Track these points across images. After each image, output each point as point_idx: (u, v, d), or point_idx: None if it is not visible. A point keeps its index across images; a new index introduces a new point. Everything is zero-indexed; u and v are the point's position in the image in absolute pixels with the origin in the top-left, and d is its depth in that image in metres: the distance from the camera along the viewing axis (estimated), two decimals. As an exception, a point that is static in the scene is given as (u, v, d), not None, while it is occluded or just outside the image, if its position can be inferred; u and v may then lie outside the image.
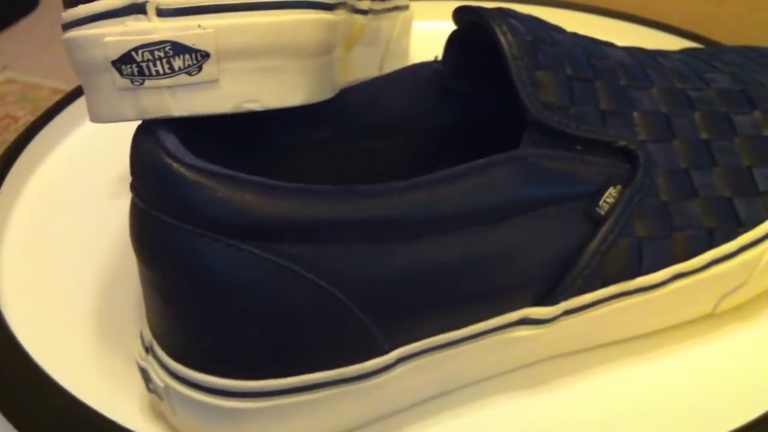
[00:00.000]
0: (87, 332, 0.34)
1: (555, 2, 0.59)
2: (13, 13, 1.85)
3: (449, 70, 0.35)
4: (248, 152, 0.32)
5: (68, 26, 0.27)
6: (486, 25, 0.32)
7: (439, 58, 0.35)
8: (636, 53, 0.36)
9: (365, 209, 0.27)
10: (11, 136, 1.49)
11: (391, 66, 0.44)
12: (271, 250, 0.26)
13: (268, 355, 0.27)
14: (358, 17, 0.35)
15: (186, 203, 0.26)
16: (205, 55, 0.25)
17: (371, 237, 0.27)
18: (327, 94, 0.29)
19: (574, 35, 0.35)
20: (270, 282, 0.26)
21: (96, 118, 0.28)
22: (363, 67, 0.41)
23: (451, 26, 0.35)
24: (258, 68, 0.26)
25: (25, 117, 1.53)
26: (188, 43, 0.25)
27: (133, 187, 0.27)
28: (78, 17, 0.26)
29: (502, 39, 0.31)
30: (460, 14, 0.34)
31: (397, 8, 0.43)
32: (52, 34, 1.77)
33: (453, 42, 0.35)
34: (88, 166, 0.44)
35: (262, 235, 0.26)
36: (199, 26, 0.25)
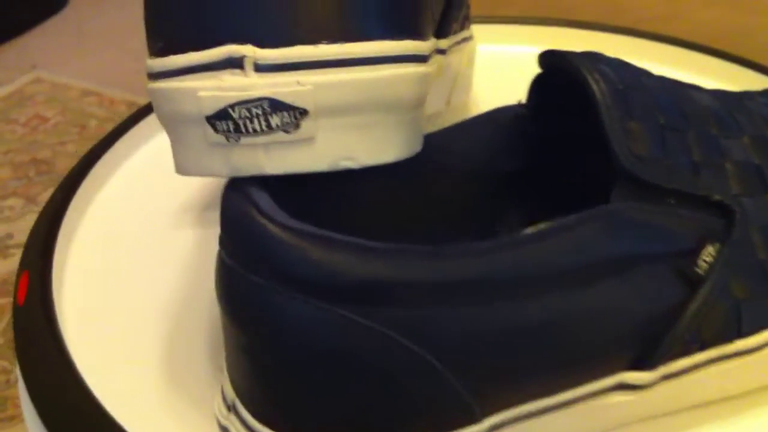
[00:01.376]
0: (156, 378, 0.34)
1: (581, 24, 0.58)
2: (41, 12, 1.84)
3: (532, 114, 0.34)
4: (320, 199, 0.31)
5: (157, 76, 0.26)
6: (576, 72, 0.31)
7: (522, 101, 0.34)
8: (722, 97, 0.35)
9: (461, 270, 0.26)
10: (41, 137, 1.48)
11: (458, 98, 0.43)
12: (364, 313, 0.25)
13: (358, 422, 0.27)
14: (439, 57, 0.34)
15: (277, 264, 0.25)
16: (303, 113, 0.25)
17: (466, 300, 0.26)
18: (418, 147, 0.28)
19: (661, 79, 0.34)
20: (363, 347, 0.26)
21: (182, 170, 0.27)
22: (432, 102, 0.40)
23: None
24: (355, 124, 0.26)
25: (55, 117, 1.53)
26: (287, 100, 0.24)
27: (222, 243, 0.27)
28: (169, 68, 0.26)
29: (595, 87, 0.30)
30: (546, 58, 0.33)
31: (464, 40, 0.42)
32: (81, 32, 1.76)
33: (537, 85, 0.34)
34: (148, 194, 0.43)
35: (356, 299, 0.25)
36: (298, 83, 0.24)
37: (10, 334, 1.09)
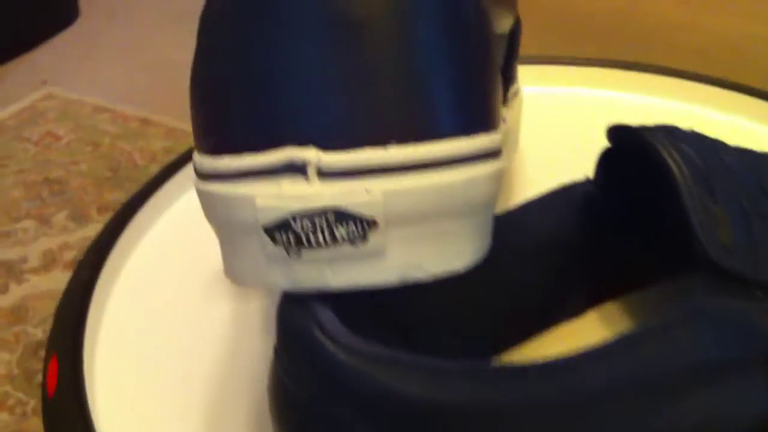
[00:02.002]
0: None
1: (615, 63, 0.56)
2: (51, 26, 1.83)
3: (600, 191, 0.32)
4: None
5: (207, 176, 0.24)
6: (654, 152, 0.28)
7: (590, 177, 0.32)
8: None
9: (547, 390, 0.24)
10: (53, 156, 1.46)
11: (507, 155, 0.41)
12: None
13: None
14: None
15: (341, 390, 0.23)
16: (372, 224, 0.22)
17: (545, 421, 0.24)
18: (487, 247, 0.26)
19: (739, 153, 0.32)
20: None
21: (235, 278, 0.25)
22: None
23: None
24: (426, 233, 0.23)
25: (68, 135, 1.51)
26: (354, 210, 0.22)
27: (279, 357, 0.24)
28: (222, 171, 0.23)
29: (676, 170, 0.28)
30: (616, 132, 0.31)
31: (515, 93, 0.40)
32: (92, 46, 1.75)
33: (606, 160, 0.32)
34: (177, 264, 0.41)
35: (427, 427, 0.23)
36: (366, 190, 0.22)
37: (25, 364, 1.07)
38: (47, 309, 1.14)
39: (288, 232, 0.22)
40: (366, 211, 0.22)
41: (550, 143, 0.48)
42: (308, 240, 0.22)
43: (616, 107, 0.53)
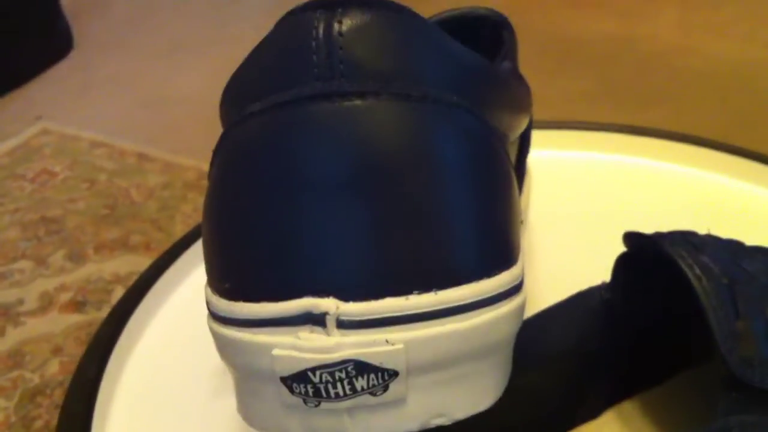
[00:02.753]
0: None
1: (616, 127, 0.55)
2: (46, 58, 1.82)
3: (618, 296, 0.31)
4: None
5: (223, 321, 0.23)
6: (674, 263, 0.28)
7: (606, 281, 0.31)
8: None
9: None
10: (50, 193, 1.45)
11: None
12: None
13: None
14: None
15: None
16: (394, 374, 0.21)
17: None
18: (508, 378, 0.25)
19: (758, 253, 0.31)
20: None
21: (251, 422, 0.24)
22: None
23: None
24: (448, 378, 0.23)
25: (64, 172, 1.50)
26: (374, 361, 0.21)
27: None
28: (238, 317, 0.22)
29: (697, 285, 0.27)
30: (632, 239, 0.30)
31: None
32: (87, 79, 1.74)
33: (622, 266, 0.31)
34: (183, 354, 0.40)
35: None
36: (387, 341, 0.21)
37: (22, 411, 1.06)
38: (44, 353, 1.12)
39: (306, 384, 0.22)
40: (387, 362, 0.22)
41: (557, 208, 0.48)
42: (327, 392, 0.22)
43: (627, 172, 0.53)
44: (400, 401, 0.22)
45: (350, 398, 0.22)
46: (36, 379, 1.09)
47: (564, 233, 0.45)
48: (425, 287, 0.22)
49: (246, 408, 0.24)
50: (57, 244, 1.31)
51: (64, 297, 1.20)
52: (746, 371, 0.27)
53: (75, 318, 1.14)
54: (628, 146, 0.55)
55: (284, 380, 0.22)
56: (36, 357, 1.12)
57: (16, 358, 1.13)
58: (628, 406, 0.33)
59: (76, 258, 1.28)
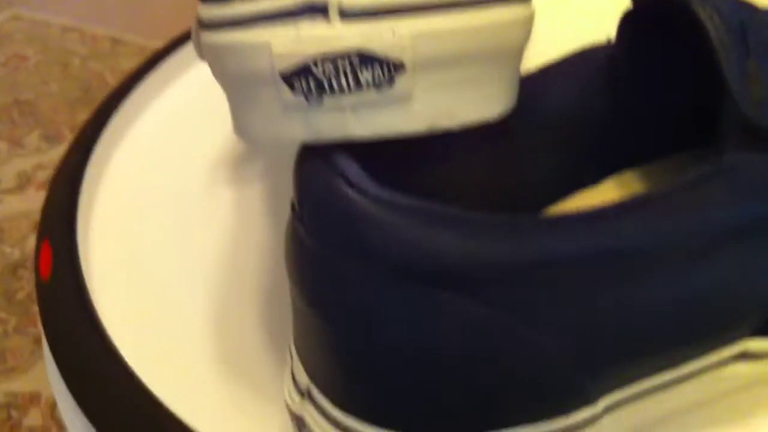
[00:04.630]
0: (207, 358, 0.30)
1: None
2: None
3: (623, 54, 0.30)
4: (397, 164, 0.28)
5: (215, 25, 0.22)
6: (684, 6, 0.27)
7: (612, 39, 0.30)
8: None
9: (579, 243, 0.23)
10: (22, 77, 1.42)
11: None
12: (470, 298, 0.22)
13: (462, 411, 0.23)
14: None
15: (372, 246, 0.21)
16: (400, 67, 0.21)
17: (582, 277, 0.23)
18: (515, 100, 0.24)
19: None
20: (469, 334, 0.22)
21: (248, 133, 0.23)
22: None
23: None
24: (456, 79, 0.22)
25: (36, 56, 1.47)
26: (380, 52, 0.21)
27: (300, 216, 0.23)
28: (233, 17, 0.21)
29: (708, 23, 0.26)
30: (638, -8, 0.29)
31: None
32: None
33: (629, 22, 0.30)
34: (172, 148, 0.39)
35: (462, 282, 0.22)
36: (393, 32, 0.20)
37: (4, 284, 1.05)
38: (22, 229, 1.11)
39: (308, 78, 0.21)
40: (393, 53, 0.21)
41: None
42: (330, 85, 0.21)
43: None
44: (406, 98, 0.21)
45: (354, 93, 0.21)
46: (16, 254, 1.08)
47: (574, 26, 0.44)
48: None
49: (242, 120, 0.23)
50: (32, 125, 1.29)
51: (42, 176, 1.19)
52: (757, 111, 0.26)
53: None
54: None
55: (285, 77, 0.21)
56: (15, 233, 1.11)
57: (-5, 233, 1.12)
58: (630, 175, 0.33)
59: (52, 139, 1.26)
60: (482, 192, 0.30)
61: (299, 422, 0.25)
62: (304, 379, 0.25)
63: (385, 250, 0.21)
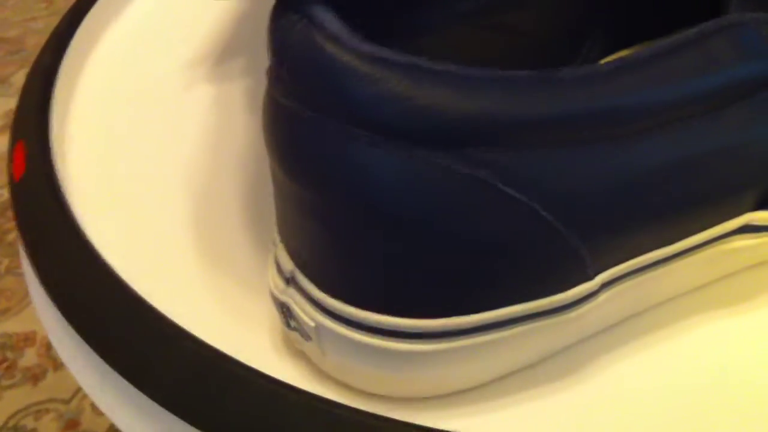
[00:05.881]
0: (188, 251, 0.29)
1: None
2: None
3: None
4: (379, 37, 0.26)
5: None
6: None
7: None
8: None
9: (582, 100, 0.21)
10: (7, 14, 1.39)
11: None
12: (460, 159, 0.20)
13: (452, 288, 0.22)
14: None
15: (354, 102, 0.20)
16: None
17: (576, 136, 0.21)
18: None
19: None
20: (458, 199, 0.21)
21: None
22: None
23: None
24: None
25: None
26: None
27: (277, 78, 0.21)
28: None
29: None
30: None
31: None
32: None
33: None
34: (149, 48, 0.37)
35: (450, 140, 0.20)
36: None
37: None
38: (13, 168, 1.09)
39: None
40: None
41: None
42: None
43: None
44: None
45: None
46: (6, 194, 1.07)
47: None
48: None
49: None
50: (18, 63, 1.27)
51: (29, 114, 1.17)
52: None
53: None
54: None
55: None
56: (4, 173, 1.09)
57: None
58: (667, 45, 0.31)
59: (39, 76, 1.24)
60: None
61: (284, 309, 0.24)
62: (288, 264, 0.24)
63: (369, 107, 0.20)
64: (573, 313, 0.23)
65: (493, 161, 0.21)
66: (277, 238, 0.24)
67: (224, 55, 0.37)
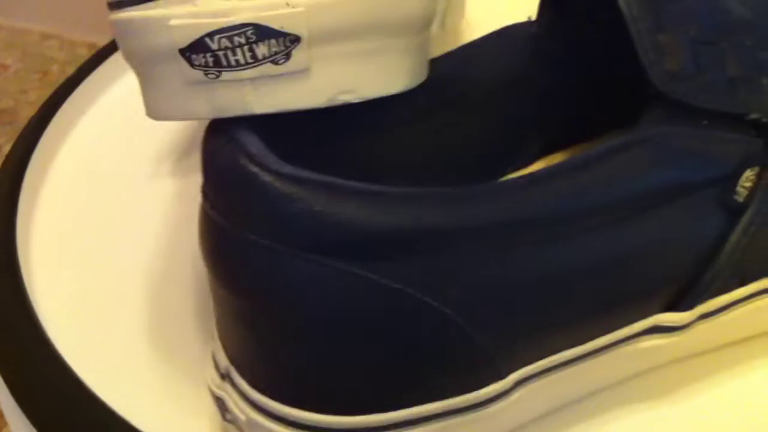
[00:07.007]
0: (139, 346, 0.30)
1: None
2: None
3: (545, 31, 0.30)
4: (323, 138, 0.28)
5: (118, 5, 0.22)
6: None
7: (533, 17, 0.31)
8: (755, 4, 0.31)
9: (491, 212, 0.23)
10: (2, 85, 1.42)
11: (453, 19, 0.39)
12: (376, 269, 0.22)
13: (372, 387, 0.24)
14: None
15: (276, 219, 0.22)
16: (295, 40, 0.21)
17: (494, 245, 0.23)
18: (424, 75, 0.25)
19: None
20: (375, 306, 0.22)
21: (155, 113, 0.23)
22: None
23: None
24: (355, 52, 0.22)
25: (15, 64, 1.47)
26: (275, 25, 0.21)
27: (208, 197, 0.23)
28: None
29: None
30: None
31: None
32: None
33: (548, 2, 0.30)
34: (116, 143, 0.39)
35: (367, 253, 0.22)
36: (288, 4, 0.21)
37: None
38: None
39: (206, 53, 0.21)
40: (288, 27, 0.21)
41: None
42: (227, 60, 0.21)
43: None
44: (303, 72, 0.22)
45: (252, 67, 0.21)
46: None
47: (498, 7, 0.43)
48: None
49: (151, 101, 0.23)
50: (10, 134, 1.29)
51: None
52: (670, 85, 0.26)
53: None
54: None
55: (183, 53, 0.21)
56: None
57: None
58: (560, 157, 0.33)
59: (31, 146, 1.26)
60: (407, 176, 0.30)
61: (221, 404, 0.26)
62: (223, 360, 0.25)
63: (290, 225, 0.22)
64: (486, 411, 0.25)
65: (406, 271, 0.22)
66: (216, 334, 0.26)
67: (187, 151, 0.39)
